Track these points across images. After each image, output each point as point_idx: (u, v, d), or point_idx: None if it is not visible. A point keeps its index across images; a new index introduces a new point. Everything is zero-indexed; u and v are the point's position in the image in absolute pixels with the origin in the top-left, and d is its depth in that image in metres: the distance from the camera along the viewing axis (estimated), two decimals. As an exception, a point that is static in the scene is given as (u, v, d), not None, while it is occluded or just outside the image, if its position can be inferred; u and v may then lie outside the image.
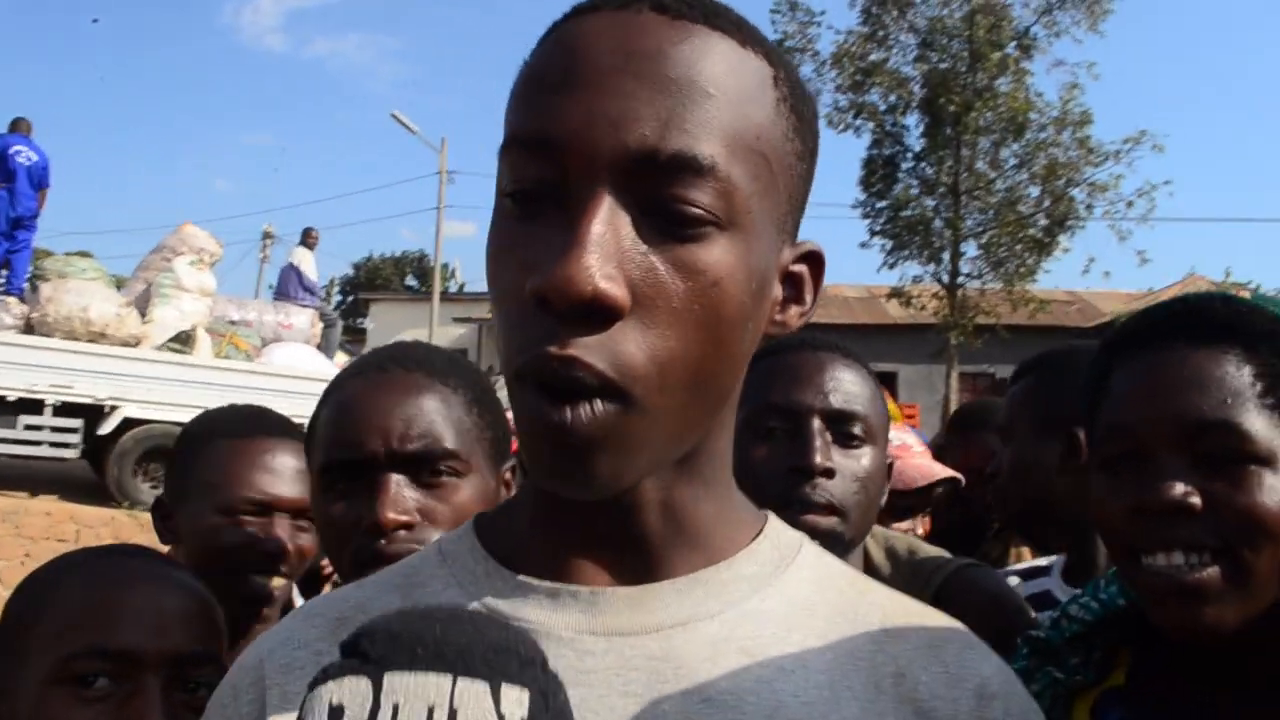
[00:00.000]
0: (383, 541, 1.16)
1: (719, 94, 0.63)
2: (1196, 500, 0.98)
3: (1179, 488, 0.98)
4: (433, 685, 0.56)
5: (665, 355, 0.62)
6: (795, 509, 1.27)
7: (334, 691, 0.57)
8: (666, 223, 0.62)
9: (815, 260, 0.75)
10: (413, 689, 0.56)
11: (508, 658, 0.58)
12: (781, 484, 1.30)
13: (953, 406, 20.35)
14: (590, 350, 0.60)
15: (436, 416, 1.22)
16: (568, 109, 0.62)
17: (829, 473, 1.32)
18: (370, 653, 0.58)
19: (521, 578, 0.71)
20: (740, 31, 0.67)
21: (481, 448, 1.26)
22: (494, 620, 0.61)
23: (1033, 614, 1.52)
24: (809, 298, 0.75)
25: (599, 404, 0.61)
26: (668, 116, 0.61)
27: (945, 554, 1.62)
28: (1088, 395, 1.13)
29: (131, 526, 9.66)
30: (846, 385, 1.37)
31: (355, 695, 0.56)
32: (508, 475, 1.33)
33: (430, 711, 0.55)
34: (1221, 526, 0.97)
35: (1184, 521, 0.98)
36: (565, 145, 0.62)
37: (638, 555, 0.71)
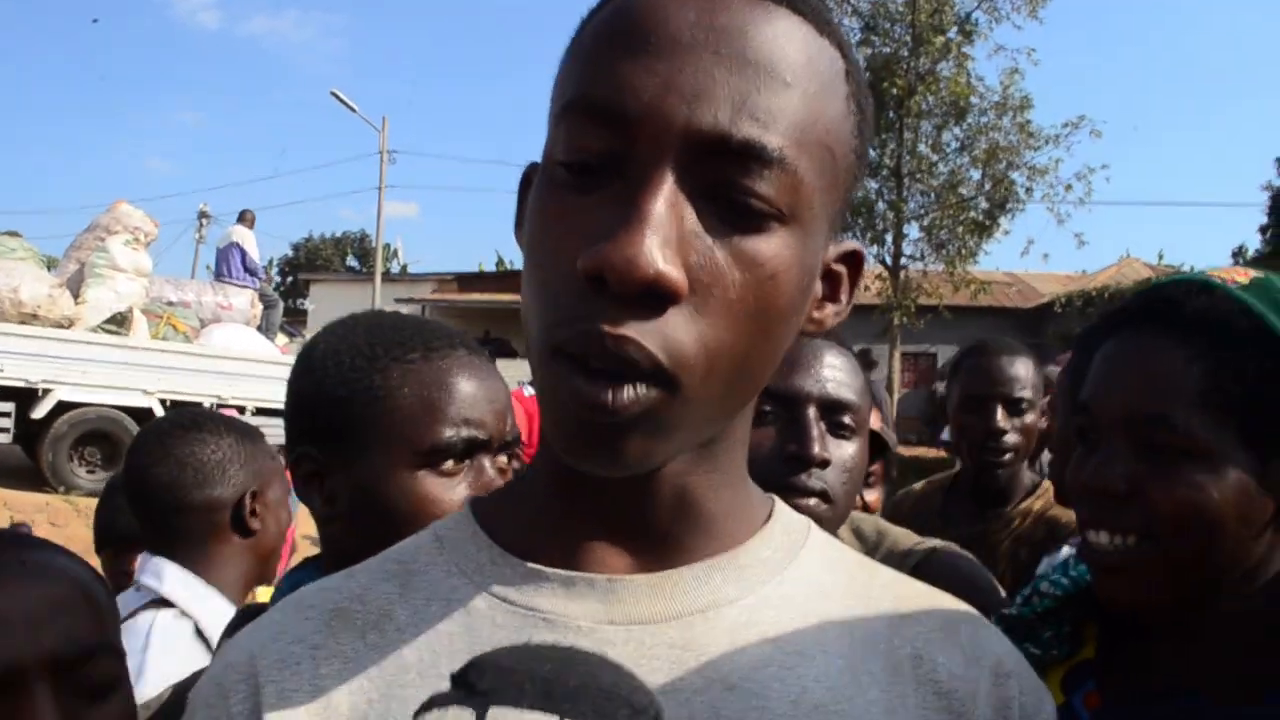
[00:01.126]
0: None
1: (795, 83, 0.61)
2: (1121, 486, 1.01)
3: (1105, 474, 1.02)
4: None
5: (715, 345, 0.60)
6: (790, 494, 1.27)
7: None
8: (729, 211, 0.60)
9: (855, 260, 0.73)
10: None
11: (618, 705, 0.56)
12: (777, 469, 1.29)
13: (895, 385, 20.65)
14: (645, 333, 0.58)
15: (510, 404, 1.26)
16: (641, 78, 0.59)
17: (825, 463, 1.32)
18: (478, 685, 0.57)
19: (532, 565, 0.69)
20: (818, 18, 0.65)
21: None
22: (608, 664, 0.59)
23: (1004, 594, 1.53)
24: (844, 297, 0.73)
25: (643, 388, 0.59)
26: (743, 101, 0.59)
27: (913, 535, 1.62)
28: (1077, 372, 1.16)
29: (67, 512, 9.44)
30: (841, 375, 1.37)
31: None
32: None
33: None
34: (1147, 514, 1.00)
35: (1111, 505, 1.02)
36: (636, 116, 0.59)
37: (653, 542, 0.69)
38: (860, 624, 0.70)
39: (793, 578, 0.71)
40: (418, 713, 0.56)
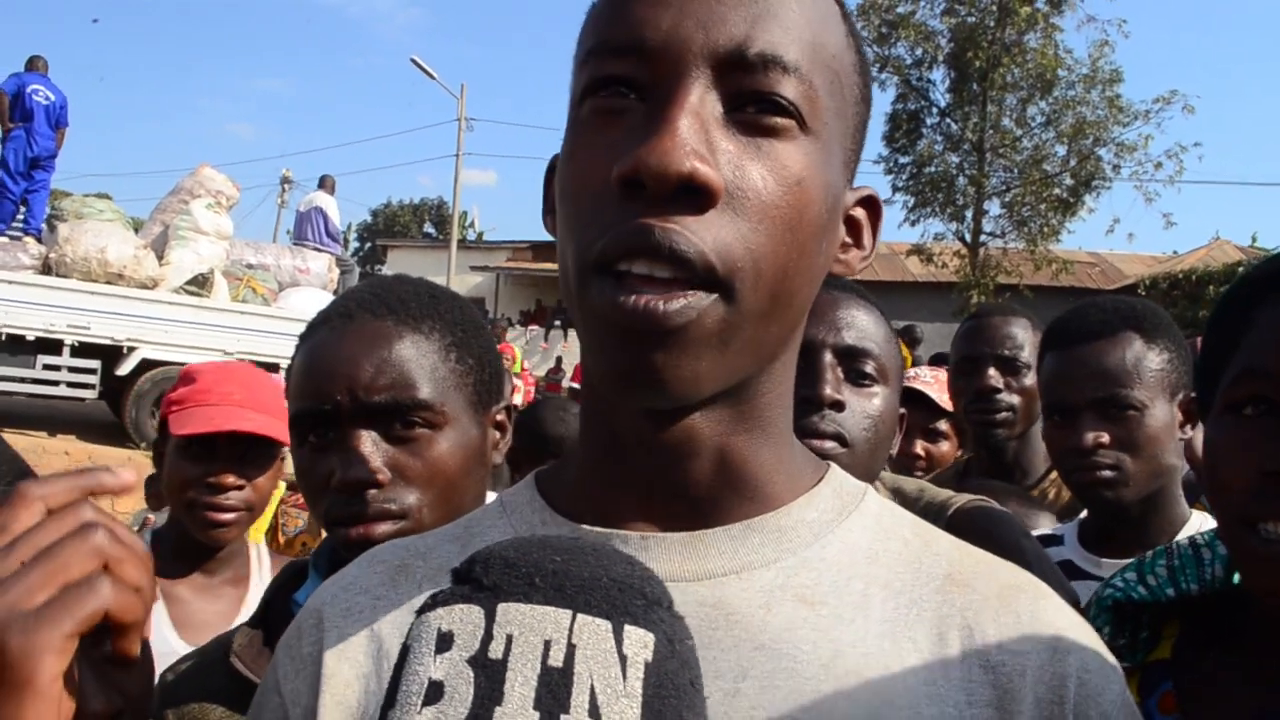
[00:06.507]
0: (353, 502, 1.12)
1: (800, 10, 0.65)
2: None
3: None
4: (550, 619, 0.52)
5: (759, 250, 0.61)
6: (801, 438, 1.23)
7: (443, 618, 0.53)
8: (754, 121, 0.63)
9: (873, 205, 0.75)
10: (528, 621, 0.52)
11: (632, 596, 0.54)
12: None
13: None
14: (693, 229, 0.59)
15: (406, 365, 1.16)
16: (657, 13, 0.63)
17: (838, 405, 1.30)
18: (484, 580, 0.54)
19: (577, 525, 0.71)
20: None
21: (462, 394, 1.21)
22: (619, 555, 0.57)
23: (1037, 553, 1.46)
24: (868, 242, 0.75)
25: (695, 294, 0.59)
26: (755, 20, 0.63)
27: (953, 494, 1.57)
28: (1220, 334, 0.99)
29: (149, 467, 9.72)
30: (860, 323, 1.36)
31: (466, 624, 0.53)
32: (500, 417, 1.29)
33: (546, 646, 0.51)
34: None
35: None
36: (655, 45, 0.62)
37: (689, 502, 0.69)
38: (907, 590, 0.68)
39: (838, 541, 0.70)
40: (420, 611, 0.54)
